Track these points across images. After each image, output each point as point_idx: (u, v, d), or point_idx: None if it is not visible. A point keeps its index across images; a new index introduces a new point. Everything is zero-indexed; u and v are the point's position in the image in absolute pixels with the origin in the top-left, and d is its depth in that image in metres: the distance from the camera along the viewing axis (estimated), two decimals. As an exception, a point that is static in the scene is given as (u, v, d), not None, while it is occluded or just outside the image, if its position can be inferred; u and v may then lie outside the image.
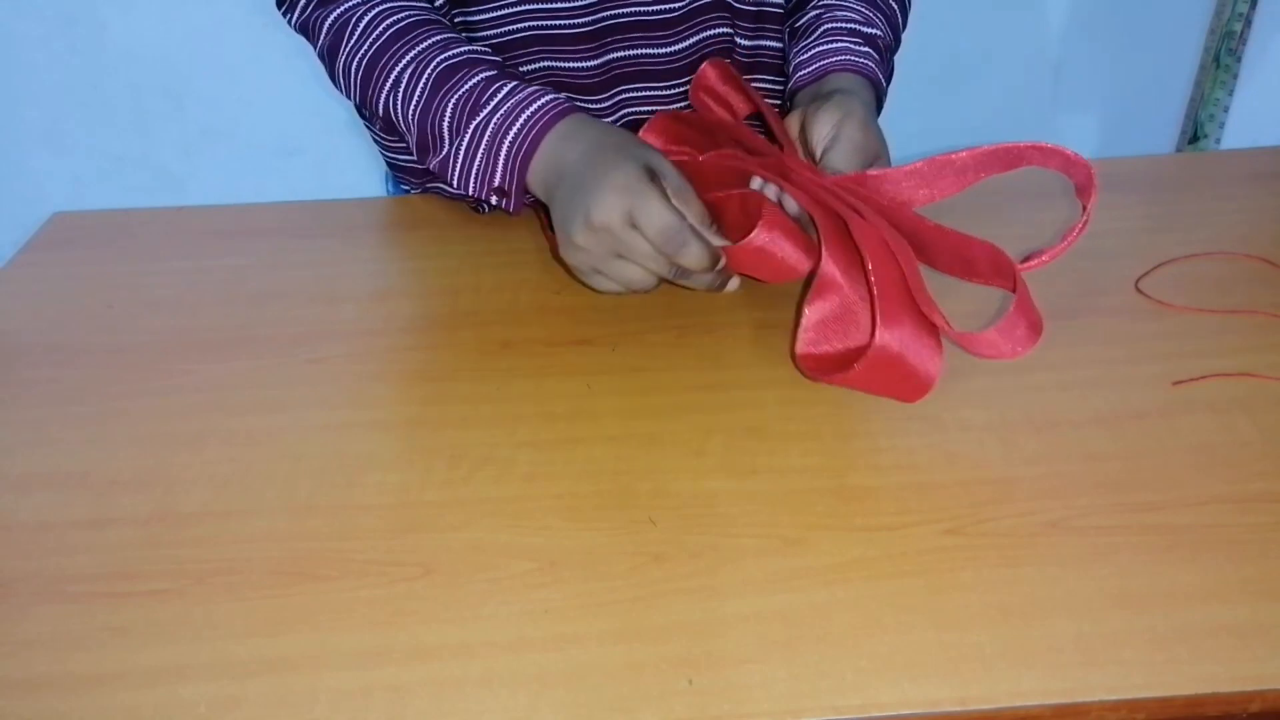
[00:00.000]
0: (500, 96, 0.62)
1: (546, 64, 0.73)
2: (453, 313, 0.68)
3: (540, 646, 0.45)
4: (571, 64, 0.72)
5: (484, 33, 0.71)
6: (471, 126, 0.62)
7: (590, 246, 0.58)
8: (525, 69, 0.73)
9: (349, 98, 0.70)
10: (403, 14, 0.66)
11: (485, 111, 0.62)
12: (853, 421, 0.57)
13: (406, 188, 0.85)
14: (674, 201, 0.57)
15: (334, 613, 0.47)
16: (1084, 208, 0.53)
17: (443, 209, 0.81)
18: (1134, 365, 0.60)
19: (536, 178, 0.62)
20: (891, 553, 0.48)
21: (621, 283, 0.59)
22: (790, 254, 0.57)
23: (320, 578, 0.48)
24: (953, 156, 0.57)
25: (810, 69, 0.69)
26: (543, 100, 0.61)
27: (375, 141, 0.83)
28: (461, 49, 0.65)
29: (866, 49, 0.69)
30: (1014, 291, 0.53)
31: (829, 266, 0.56)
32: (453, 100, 0.63)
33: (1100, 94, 1.64)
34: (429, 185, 0.82)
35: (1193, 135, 1.65)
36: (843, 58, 0.68)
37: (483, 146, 0.62)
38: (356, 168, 1.62)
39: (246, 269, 0.73)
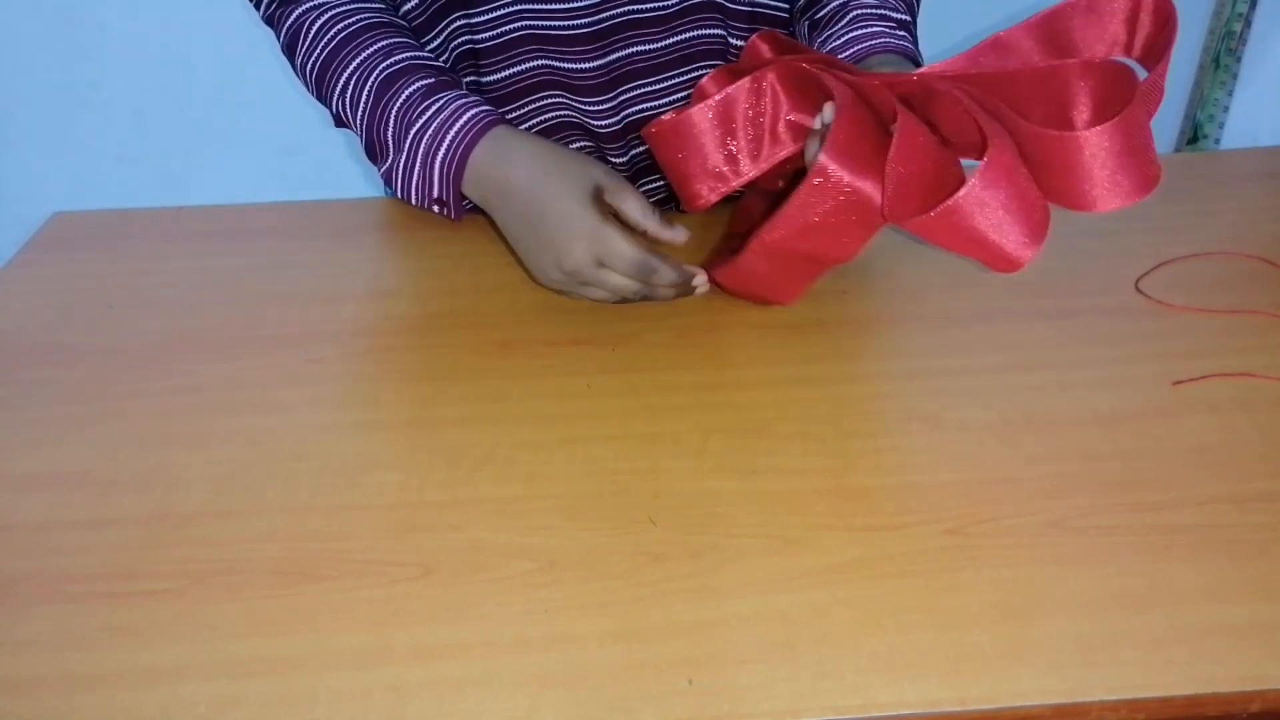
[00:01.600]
0: (432, 111, 0.65)
1: (547, 64, 0.73)
2: (453, 313, 0.68)
3: (540, 646, 0.45)
4: (573, 64, 0.72)
5: (484, 33, 0.71)
6: (408, 140, 0.65)
7: (562, 285, 0.64)
8: (526, 68, 0.73)
9: (311, 94, 0.71)
10: (353, 18, 0.68)
11: (418, 125, 0.65)
12: (853, 421, 0.57)
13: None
14: (631, 213, 0.63)
15: (334, 613, 0.47)
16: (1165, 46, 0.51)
17: (443, 209, 0.81)
18: (1134, 365, 0.60)
19: (471, 191, 0.66)
20: (891, 553, 0.48)
21: (596, 299, 0.65)
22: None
23: (320, 578, 0.48)
24: (997, 36, 0.56)
25: (849, 52, 0.69)
26: (468, 116, 0.64)
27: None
28: (404, 55, 0.67)
29: (902, 32, 0.69)
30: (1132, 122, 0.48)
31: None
32: (394, 110, 0.66)
33: (1100, 94, 1.64)
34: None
35: (1192, 135, 1.65)
36: (881, 40, 0.68)
37: (419, 161, 0.65)
38: (356, 168, 1.62)
39: (246, 269, 0.73)
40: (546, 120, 0.76)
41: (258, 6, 0.73)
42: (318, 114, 1.55)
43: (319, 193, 0.85)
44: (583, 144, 0.77)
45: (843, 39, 0.69)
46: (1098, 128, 0.49)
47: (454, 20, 0.72)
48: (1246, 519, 0.50)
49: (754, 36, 0.69)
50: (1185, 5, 1.70)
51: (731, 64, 0.71)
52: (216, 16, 1.47)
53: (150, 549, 0.50)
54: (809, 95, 0.62)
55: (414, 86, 0.65)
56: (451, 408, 0.59)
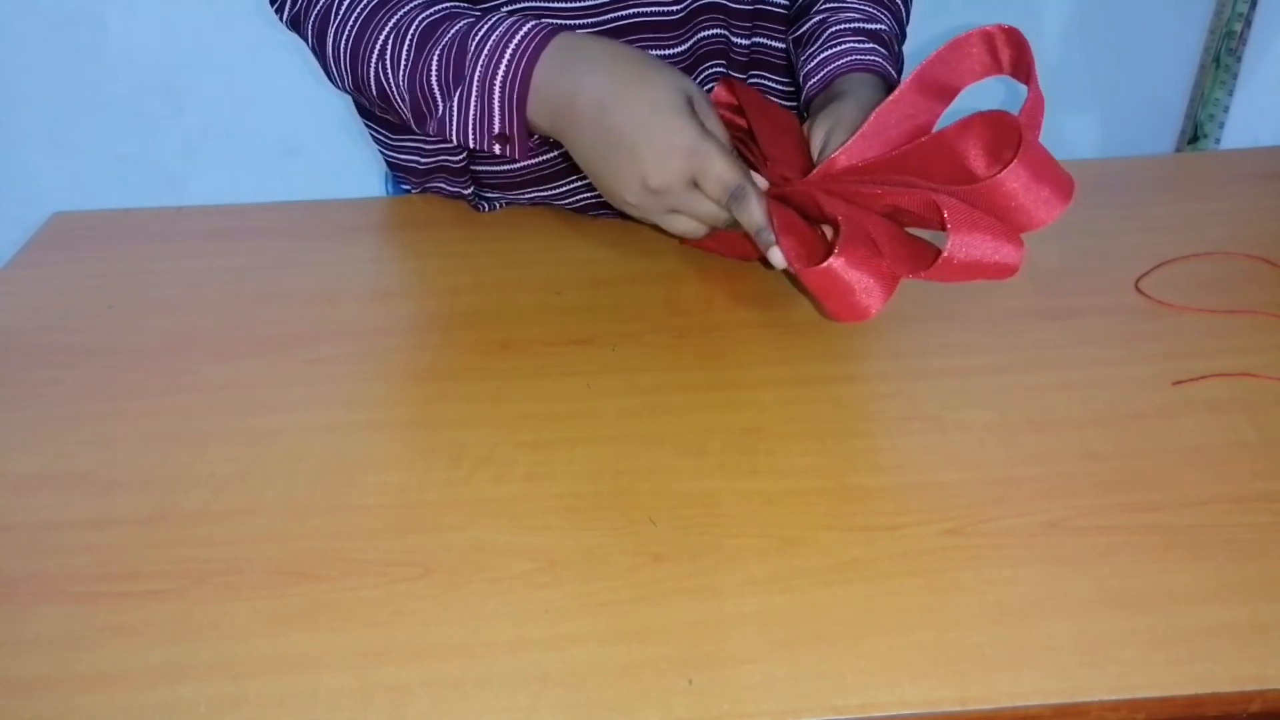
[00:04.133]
0: (480, 38, 0.58)
1: None
2: (453, 313, 0.68)
3: (540, 646, 0.45)
4: None
5: None
6: (461, 77, 0.58)
7: (645, 205, 0.57)
8: None
9: (343, 84, 0.69)
10: None
11: (469, 57, 0.58)
12: (853, 421, 0.57)
13: (407, 188, 0.85)
14: (717, 133, 0.57)
15: (334, 613, 0.47)
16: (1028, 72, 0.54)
17: (443, 209, 0.81)
18: (1134, 365, 0.60)
19: (540, 112, 0.58)
20: (891, 553, 0.48)
21: (674, 230, 0.59)
22: (862, 283, 0.55)
23: (320, 578, 0.48)
24: (887, 100, 0.57)
25: (818, 76, 0.69)
26: (526, 28, 0.57)
27: (375, 141, 0.83)
28: (442, 5, 0.62)
29: (871, 45, 0.69)
30: (1022, 157, 0.51)
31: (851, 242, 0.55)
32: (437, 55, 0.60)
33: (1100, 94, 1.64)
34: (429, 185, 0.82)
35: (1192, 135, 1.65)
36: (849, 59, 0.68)
37: (474, 94, 0.58)
38: (356, 168, 1.62)
39: (246, 269, 0.73)
40: None
41: (280, 10, 0.71)
42: (318, 114, 1.55)
43: (319, 193, 0.85)
44: None
45: (815, 61, 0.69)
46: (1006, 170, 0.51)
47: None
48: (1246, 519, 0.50)
49: (717, 86, 0.69)
50: (1185, 5, 1.70)
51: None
52: (217, 16, 1.47)
53: (150, 549, 0.50)
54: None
55: (461, 23, 0.59)
56: (451, 408, 0.59)
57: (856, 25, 0.70)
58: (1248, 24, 1.53)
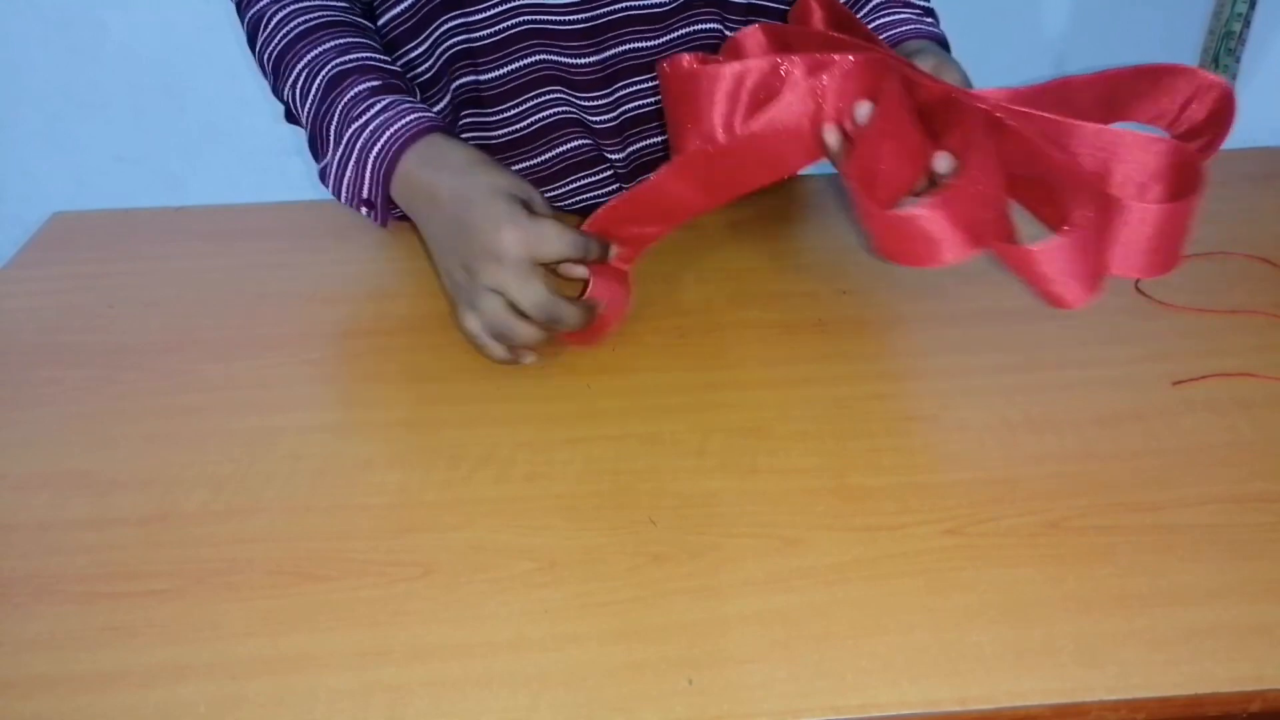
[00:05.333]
0: (375, 110, 0.63)
1: (546, 59, 0.73)
2: (453, 313, 0.68)
3: (540, 646, 0.45)
4: (571, 59, 0.72)
5: (481, 31, 0.71)
6: (346, 137, 0.63)
7: (471, 296, 0.60)
8: (525, 64, 0.73)
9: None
10: (314, 14, 0.67)
11: (358, 124, 0.63)
12: (853, 421, 0.57)
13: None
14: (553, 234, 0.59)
15: (334, 613, 0.47)
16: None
17: (443, 209, 0.81)
18: (1134, 365, 0.60)
19: (398, 196, 0.63)
20: (891, 553, 0.48)
21: (493, 354, 0.61)
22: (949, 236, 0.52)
23: (320, 578, 0.48)
24: (1065, 80, 0.56)
25: (881, 37, 0.68)
26: (409, 118, 0.62)
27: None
28: (359, 55, 0.66)
29: (930, 18, 0.69)
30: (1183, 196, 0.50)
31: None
32: (339, 108, 0.64)
33: (1100, 94, 1.64)
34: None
35: (1193, 135, 1.65)
36: (912, 25, 0.68)
37: (353, 157, 0.63)
38: (356, 168, 1.61)
39: (246, 269, 0.73)
40: (545, 116, 0.76)
41: None
42: (318, 114, 1.55)
43: (319, 193, 0.85)
44: (581, 140, 0.77)
45: (871, 25, 0.68)
46: (1147, 206, 0.50)
47: (449, 20, 0.71)
48: (1246, 519, 0.50)
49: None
50: (1185, 5, 1.69)
51: (776, 24, 0.67)
52: (216, 16, 1.47)
53: (150, 549, 0.50)
54: (866, 89, 0.59)
55: (363, 85, 0.64)
56: (451, 408, 0.59)
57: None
58: (1247, 24, 1.53)
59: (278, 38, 0.67)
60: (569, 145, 0.77)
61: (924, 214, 0.51)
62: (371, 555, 0.50)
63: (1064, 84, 0.57)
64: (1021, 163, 0.54)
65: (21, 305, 0.70)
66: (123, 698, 0.43)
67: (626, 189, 0.61)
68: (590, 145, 0.78)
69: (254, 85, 1.53)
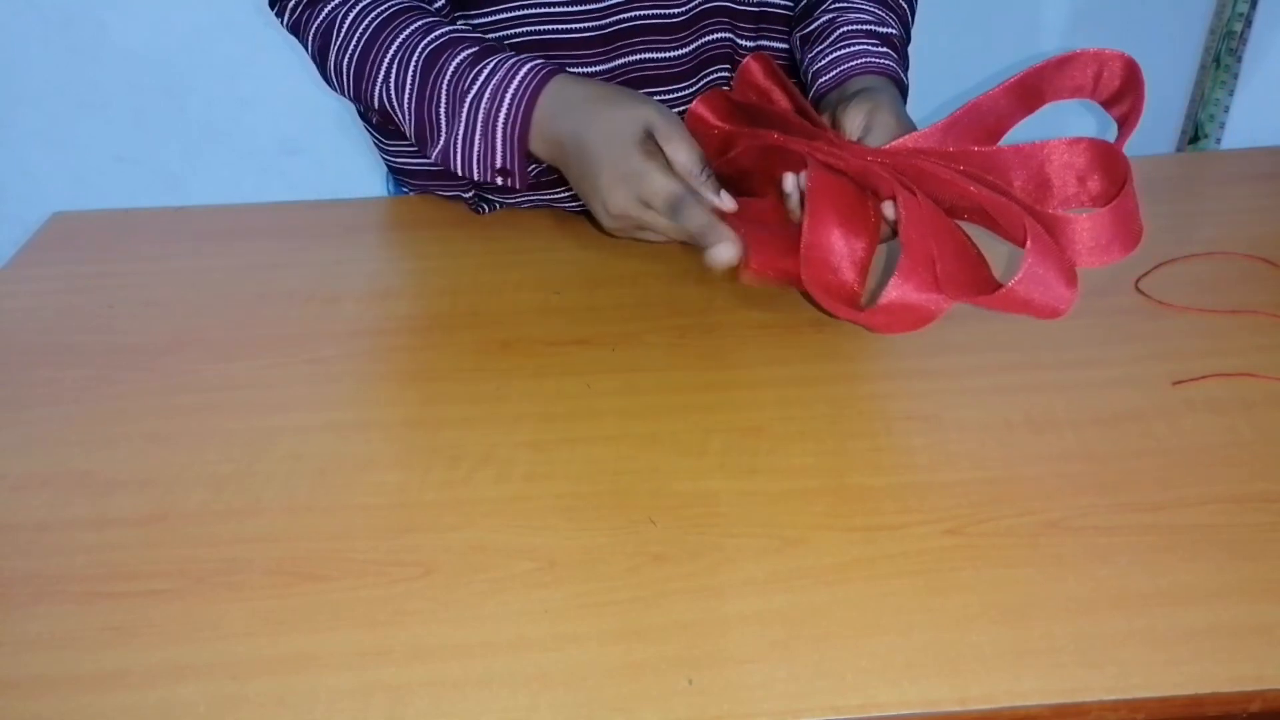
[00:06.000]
0: (485, 75, 0.62)
1: None
2: (453, 313, 0.68)
3: (540, 646, 0.45)
4: (580, 69, 0.72)
5: (488, 37, 0.71)
6: (464, 110, 0.62)
7: (618, 227, 0.62)
8: None
9: (344, 95, 0.70)
10: (385, 5, 0.67)
11: (473, 93, 0.62)
12: (853, 421, 0.57)
13: (406, 188, 0.85)
14: (677, 158, 0.60)
15: (334, 613, 0.47)
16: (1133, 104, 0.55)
17: (443, 209, 0.81)
18: (1134, 365, 0.60)
19: (539, 149, 0.63)
20: (891, 553, 0.48)
21: (655, 241, 0.63)
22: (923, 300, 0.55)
23: (320, 578, 0.48)
24: (976, 101, 0.58)
25: (831, 74, 0.68)
26: (524, 71, 0.62)
27: (376, 145, 0.83)
28: (443, 31, 0.65)
29: (884, 49, 0.69)
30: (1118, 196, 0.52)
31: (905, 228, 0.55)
32: (444, 85, 0.63)
33: (1100, 94, 1.64)
34: (430, 187, 0.82)
35: (1193, 135, 1.64)
36: (863, 60, 0.68)
37: (478, 129, 0.62)
38: (356, 168, 1.62)
39: (246, 269, 0.73)
40: None
41: (281, 14, 0.71)
42: (318, 114, 1.55)
43: (319, 193, 0.85)
44: None
45: (827, 59, 0.70)
46: (1097, 215, 0.52)
47: (456, 24, 0.71)
48: (1246, 519, 0.50)
49: (748, 59, 0.70)
50: (1185, 5, 1.70)
51: (725, 90, 0.71)
52: (216, 16, 1.47)
53: (150, 549, 0.50)
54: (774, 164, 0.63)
55: (461, 56, 0.63)
56: (451, 408, 0.59)
57: (868, 28, 0.70)
58: (1248, 24, 1.53)
59: (355, 37, 0.66)
60: (632, 91, 0.76)
61: (892, 297, 0.54)
62: (371, 555, 0.50)
63: (974, 106, 0.59)
64: (959, 197, 0.56)
65: (21, 305, 0.70)
66: (123, 698, 0.43)
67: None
68: None
69: (254, 85, 1.53)
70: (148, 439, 0.57)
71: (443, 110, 0.63)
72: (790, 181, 0.61)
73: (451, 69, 0.63)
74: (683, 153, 0.60)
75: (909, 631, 0.45)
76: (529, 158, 0.64)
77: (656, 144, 0.60)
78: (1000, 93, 0.58)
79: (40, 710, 0.43)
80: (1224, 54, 1.56)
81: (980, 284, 0.54)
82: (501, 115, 0.62)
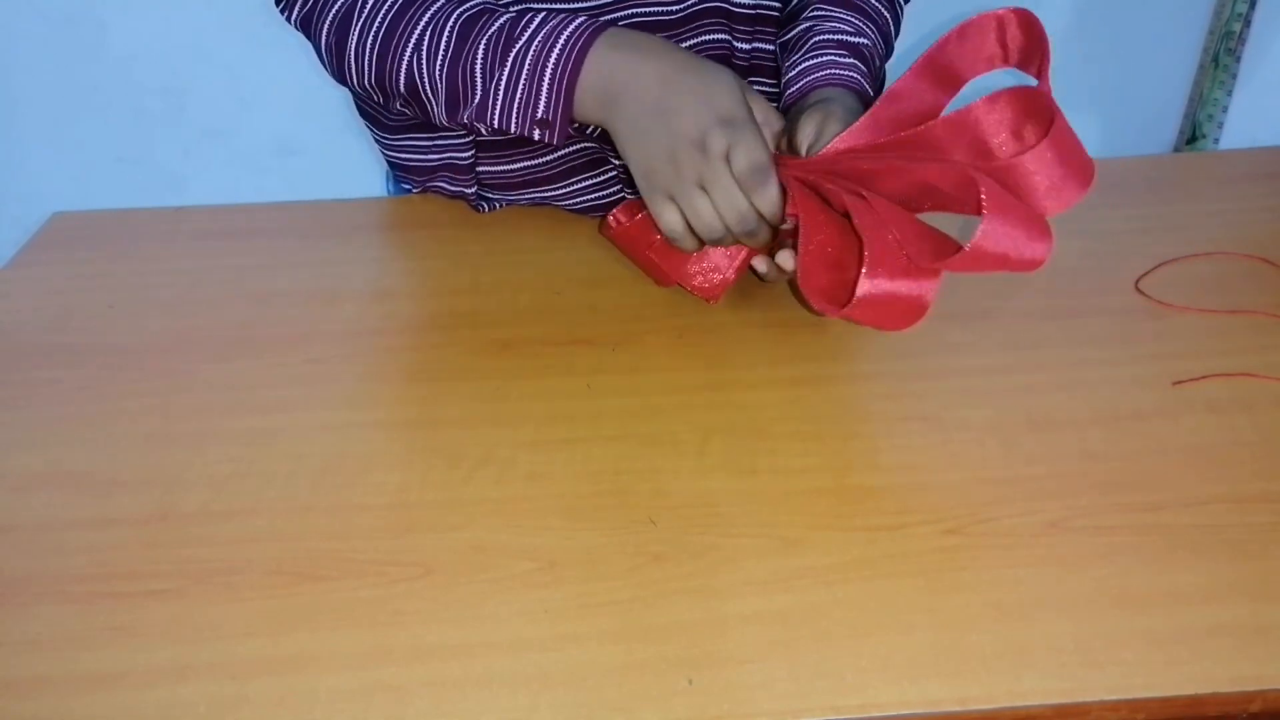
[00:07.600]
0: (534, 25, 0.61)
1: None
2: (453, 313, 0.68)
3: (540, 646, 0.45)
4: None
5: None
6: (509, 60, 0.61)
7: (680, 165, 0.58)
8: None
9: (361, 81, 0.68)
10: None
11: (521, 43, 0.61)
12: (853, 421, 0.57)
13: (407, 187, 0.85)
14: (757, 114, 0.60)
15: (334, 613, 0.47)
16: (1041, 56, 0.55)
17: (443, 209, 0.81)
18: (1134, 365, 0.60)
19: (589, 96, 0.60)
20: (891, 553, 0.48)
21: (689, 215, 0.59)
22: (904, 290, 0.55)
23: (320, 578, 0.48)
24: (893, 88, 0.58)
25: (798, 85, 0.69)
26: (577, 21, 0.61)
27: (375, 141, 0.83)
28: (475, 2, 0.64)
29: (851, 59, 0.69)
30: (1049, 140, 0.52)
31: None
32: (483, 42, 0.62)
33: (1099, 94, 1.64)
34: (430, 184, 0.82)
35: (1191, 135, 1.65)
36: (826, 72, 0.68)
37: (523, 78, 0.61)
38: (356, 168, 1.62)
39: (246, 269, 0.73)
40: None
41: (288, 10, 0.71)
42: (318, 114, 1.55)
43: (319, 193, 0.85)
44: (584, 142, 0.77)
45: (797, 69, 0.69)
46: (1035, 148, 0.51)
47: None
48: (1246, 519, 0.50)
49: None
50: (1185, 5, 1.70)
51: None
52: (216, 17, 1.47)
53: (150, 549, 0.50)
54: None
55: (503, 17, 0.62)
56: (451, 408, 0.59)
57: (840, 38, 0.70)
58: (1247, 24, 1.53)
59: (380, 14, 0.65)
60: (572, 147, 0.77)
61: (866, 289, 0.53)
62: (371, 555, 0.50)
63: (892, 94, 0.58)
64: (909, 185, 0.56)
65: (21, 305, 0.70)
66: (123, 698, 0.43)
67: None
68: (594, 148, 0.78)
69: (254, 85, 1.53)
70: (148, 439, 0.57)
71: (479, 66, 0.62)
72: (764, 265, 0.62)
73: (494, 27, 0.62)
74: (759, 106, 0.61)
75: (909, 631, 0.45)
76: (573, 113, 0.61)
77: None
78: (912, 77, 0.58)
79: (40, 710, 0.43)
80: (1222, 54, 1.56)
81: (951, 253, 0.54)
82: (552, 59, 0.60)
